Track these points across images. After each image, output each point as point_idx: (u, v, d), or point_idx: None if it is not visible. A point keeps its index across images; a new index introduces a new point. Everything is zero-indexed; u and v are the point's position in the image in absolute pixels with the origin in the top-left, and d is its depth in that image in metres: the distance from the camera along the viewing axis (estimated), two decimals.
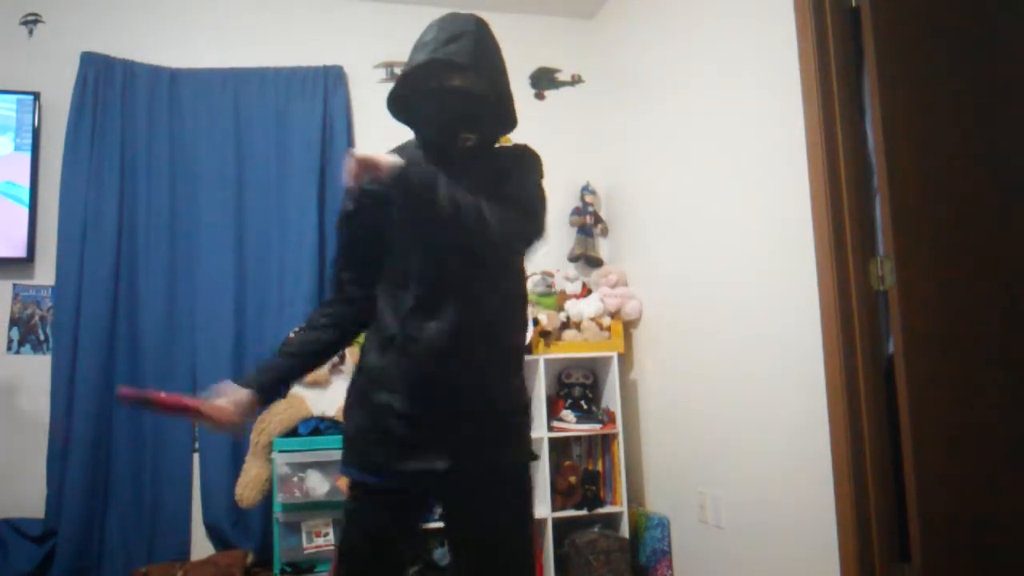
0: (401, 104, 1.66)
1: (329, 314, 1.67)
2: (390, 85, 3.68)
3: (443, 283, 1.53)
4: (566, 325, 3.40)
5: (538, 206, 1.59)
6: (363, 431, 1.56)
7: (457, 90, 1.57)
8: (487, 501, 1.58)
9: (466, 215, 1.43)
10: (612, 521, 3.32)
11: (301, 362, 1.65)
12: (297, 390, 3.05)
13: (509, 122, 1.67)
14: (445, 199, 1.41)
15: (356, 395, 1.60)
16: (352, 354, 3.14)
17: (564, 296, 3.53)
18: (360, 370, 1.61)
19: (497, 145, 1.69)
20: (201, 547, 3.17)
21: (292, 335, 3.31)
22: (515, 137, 1.77)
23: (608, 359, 3.38)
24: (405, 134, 1.71)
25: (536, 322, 3.29)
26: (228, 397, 1.54)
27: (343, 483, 2.88)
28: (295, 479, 2.88)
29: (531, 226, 1.56)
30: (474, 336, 1.54)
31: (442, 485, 1.58)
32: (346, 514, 1.60)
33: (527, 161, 1.64)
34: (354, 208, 1.62)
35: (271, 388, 1.62)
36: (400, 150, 1.63)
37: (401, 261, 1.57)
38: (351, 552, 1.57)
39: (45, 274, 3.18)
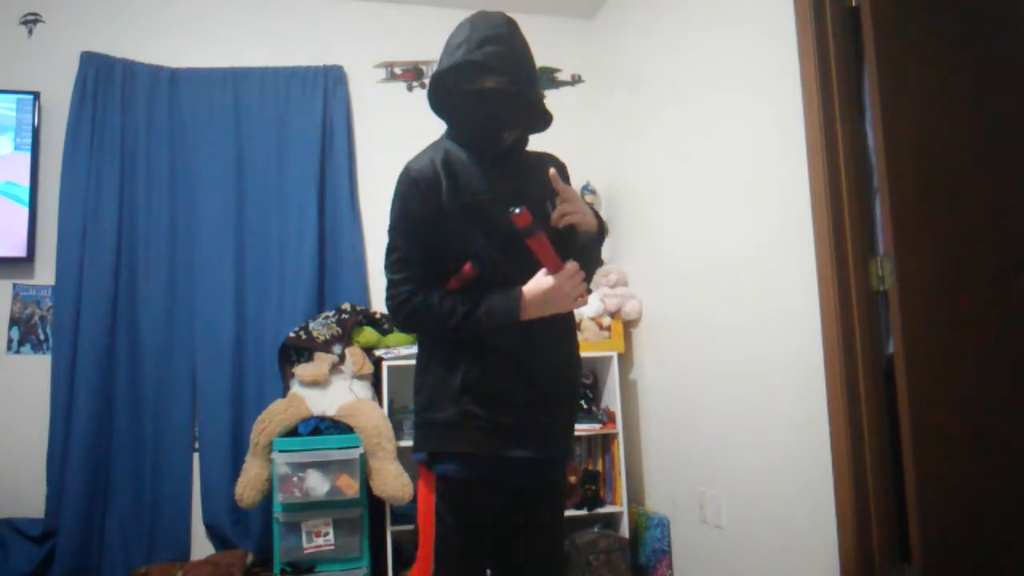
0: (438, 102, 1.68)
1: None
2: (390, 85, 3.72)
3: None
4: None
5: None
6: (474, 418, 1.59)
7: (493, 92, 1.59)
8: (557, 498, 1.74)
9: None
10: (612, 521, 3.32)
11: None
12: (297, 390, 3.05)
13: (544, 118, 1.70)
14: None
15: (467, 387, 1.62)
16: (352, 355, 3.13)
17: None
18: (464, 362, 1.61)
19: (527, 148, 1.75)
20: (201, 547, 3.17)
21: (292, 335, 3.30)
22: None
23: (608, 359, 3.38)
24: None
25: None
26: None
27: (345, 482, 2.88)
28: (295, 479, 2.88)
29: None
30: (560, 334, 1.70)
31: (543, 476, 1.68)
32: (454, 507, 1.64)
33: (566, 173, 1.79)
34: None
35: None
36: (435, 148, 1.65)
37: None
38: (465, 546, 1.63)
39: (45, 274, 3.18)
